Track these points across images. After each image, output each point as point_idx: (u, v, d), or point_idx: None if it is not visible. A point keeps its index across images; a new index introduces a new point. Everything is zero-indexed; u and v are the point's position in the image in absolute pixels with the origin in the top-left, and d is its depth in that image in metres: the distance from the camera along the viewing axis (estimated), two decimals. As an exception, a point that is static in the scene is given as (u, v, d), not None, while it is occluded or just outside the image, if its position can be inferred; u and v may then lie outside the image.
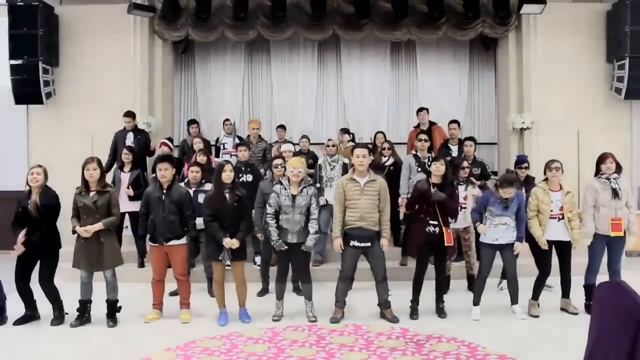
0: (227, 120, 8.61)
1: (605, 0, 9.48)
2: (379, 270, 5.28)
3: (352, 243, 5.19)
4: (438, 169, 5.32)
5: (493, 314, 5.40)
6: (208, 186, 6.07)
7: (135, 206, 6.80)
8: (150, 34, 9.27)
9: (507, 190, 5.21)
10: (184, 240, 5.38)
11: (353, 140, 8.49)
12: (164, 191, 5.27)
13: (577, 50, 9.36)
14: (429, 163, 6.05)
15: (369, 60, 10.21)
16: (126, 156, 7.13)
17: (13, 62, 8.73)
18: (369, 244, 5.18)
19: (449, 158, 7.20)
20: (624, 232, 5.39)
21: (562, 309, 5.51)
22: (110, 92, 9.03)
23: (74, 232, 5.09)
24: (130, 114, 8.08)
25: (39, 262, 5.24)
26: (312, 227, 5.26)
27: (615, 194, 5.30)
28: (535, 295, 5.46)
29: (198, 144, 7.65)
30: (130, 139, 7.91)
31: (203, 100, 10.33)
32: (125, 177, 6.99)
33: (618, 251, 5.45)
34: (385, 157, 7.05)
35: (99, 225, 5.04)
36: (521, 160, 6.48)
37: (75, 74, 9.21)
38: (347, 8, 9.06)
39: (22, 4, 8.67)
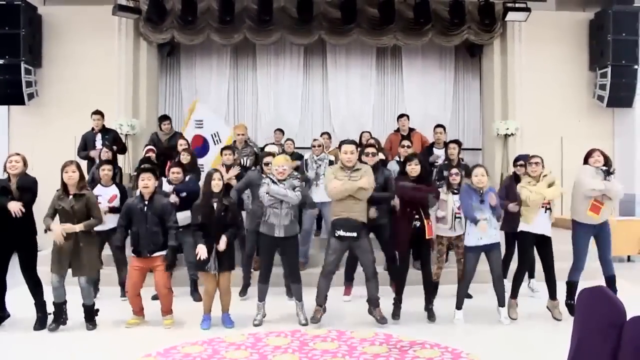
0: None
1: (588, 9, 9.62)
2: (368, 265, 5.18)
3: (337, 233, 5.08)
4: (413, 169, 5.31)
5: (478, 320, 5.38)
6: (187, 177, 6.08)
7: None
8: (135, 35, 9.23)
9: (478, 172, 5.26)
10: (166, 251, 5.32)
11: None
12: (146, 202, 5.19)
13: (561, 57, 9.50)
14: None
15: (355, 65, 10.26)
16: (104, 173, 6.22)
17: (-6, 62, 8.63)
18: (354, 234, 5.06)
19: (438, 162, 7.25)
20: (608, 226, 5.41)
21: (548, 308, 5.49)
22: (94, 94, 8.95)
23: (46, 230, 4.98)
24: (99, 112, 7.74)
25: (17, 253, 5.12)
26: (289, 192, 5.16)
27: (607, 173, 5.32)
28: (514, 294, 5.42)
29: (182, 145, 7.58)
30: (99, 141, 7.58)
31: (188, 103, 10.26)
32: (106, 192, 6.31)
33: (605, 239, 5.43)
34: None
35: (79, 227, 4.95)
36: (519, 158, 6.47)
37: (59, 75, 9.12)
38: (334, 13, 9.09)
39: (4, 3, 8.57)
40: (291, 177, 5.30)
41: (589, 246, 5.55)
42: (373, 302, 5.27)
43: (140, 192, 5.23)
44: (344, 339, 4.84)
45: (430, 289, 5.49)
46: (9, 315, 5.29)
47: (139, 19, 9.02)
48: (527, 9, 8.71)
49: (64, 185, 5.02)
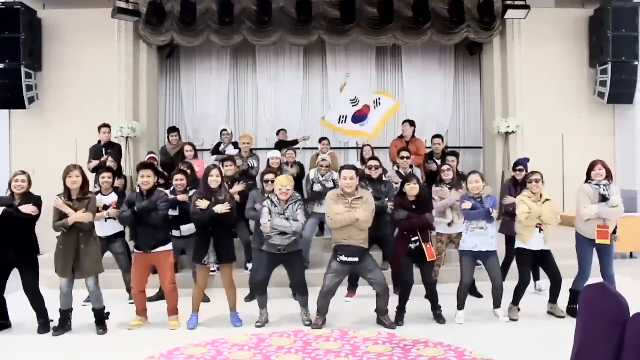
0: (225, 130, 8.43)
1: (587, 6, 9.61)
2: (378, 282, 5.13)
3: (339, 258, 5.06)
4: (412, 189, 5.29)
5: (481, 318, 5.39)
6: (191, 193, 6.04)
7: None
8: (135, 38, 9.24)
9: (472, 179, 5.27)
10: (169, 247, 5.33)
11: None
12: (144, 198, 5.20)
13: (561, 55, 9.49)
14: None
15: (355, 65, 10.24)
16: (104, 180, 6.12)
17: (-5, 66, 8.63)
18: (357, 259, 5.05)
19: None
20: (611, 240, 5.35)
21: (549, 313, 5.51)
22: (94, 97, 8.98)
23: (64, 227, 4.94)
24: (108, 125, 7.76)
25: (19, 271, 5.11)
26: (293, 223, 5.12)
27: (603, 200, 5.28)
28: (516, 301, 5.42)
29: (189, 152, 7.60)
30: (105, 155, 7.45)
31: (188, 105, 10.29)
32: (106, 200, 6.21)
33: (607, 255, 5.38)
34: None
35: (85, 217, 4.90)
36: (518, 163, 6.45)
37: (59, 78, 9.13)
38: (333, 13, 9.09)
39: (3, 7, 8.58)
40: (292, 199, 5.25)
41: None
42: (381, 312, 5.28)
43: (140, 187, 5.24)
44: (347, 338, 4.84)
45: (436, 302, 5.42)
46: (10, 325, 5.29)
47: (139, 22, 9.02)
48: (527, 7, 8.69)
49: (67, 190, 5.01)
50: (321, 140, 8.06)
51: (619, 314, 2.42)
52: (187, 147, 7.71)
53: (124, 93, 9.13)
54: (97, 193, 5.94)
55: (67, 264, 4.98)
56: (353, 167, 5.30)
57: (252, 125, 10.23)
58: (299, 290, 5.38)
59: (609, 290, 2.58)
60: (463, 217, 5.49)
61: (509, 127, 9.17)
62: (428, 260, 5.24)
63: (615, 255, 5.55)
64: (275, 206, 5.19)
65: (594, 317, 2.57)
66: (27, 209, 4.96)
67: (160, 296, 6.02)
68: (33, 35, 8.90)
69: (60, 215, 4.96)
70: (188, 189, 6.08)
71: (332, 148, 8.14)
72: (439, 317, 5.35)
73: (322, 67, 10.34)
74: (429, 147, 8.01)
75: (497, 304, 5.38)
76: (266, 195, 5.46)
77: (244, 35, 9.14)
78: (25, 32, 8.62)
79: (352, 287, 6.24)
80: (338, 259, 5.08)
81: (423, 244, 5.23)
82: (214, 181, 5.20)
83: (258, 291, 5.37)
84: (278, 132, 9.06)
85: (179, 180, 6.03)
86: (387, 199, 5.99)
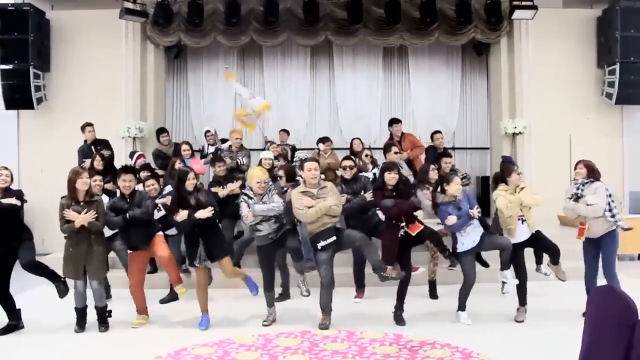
0: (209, 131, 8.52)
1: (595, 6, 9.56)
2: (359, 238, 5.14)
3: (319, 245, 5.10)
4: (392, 178, 5.33)
5: (487, 320, 5.37)
6: (168, 189, 6.10)
7: None
8: (142, 39, 9.28)
9: (457, 181, 5.19)
10: (160, 232, 5.48)
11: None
12: (128, 200, 5.28)
13: (569, 55, 9.45)
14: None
15: (362, 65, 10.25)
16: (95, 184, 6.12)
17: (3, 67, 8.73)
18: (334, 237, 5.09)
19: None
20: (610, 240, 5.32)
21: (548, 265, 5.50)
22: (102, 97, 9.02)
23: (67, 230, 5.00)
24: (91, 124, 7.72)
25: (16, 259, 5.17)
26: (273, 204, 5.20)
27: (576, 198, 5.28)
28: (522, 301, 5.39)
29: (186, 152, 7.63)
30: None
31: (195, 106, 10.32)
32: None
33: (606, 254, 5.33)
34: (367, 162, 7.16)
35: (88, 217, 4.95)
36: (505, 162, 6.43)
37: (67, 79, 9.19)
38: (340, 13, 9.10)
39: (12, 8, 8.65)
40: (268, 190, 5.30)
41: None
42: (379, 268, 5.15)
43: (121, 191, 5.33)
44: (354, 339, 4.84)
45: (444, 246, 5.48)
46: (22, 327, 5.29)
47: (146, 23, 9.07)
48: (534, 7, 8.67)
49: (74, 193, 5.03)
50: (325, 140, 7.94)
51: (628, 316, 2.41)
52: (184, 147, 7.73)
53: (131, 93, 9.18)
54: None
55: (79, 267, 5.05)
56: (313, 159, 5.48)
57: (259, 126, 10.23)
58: (294, 256, 5.49)
59: (618, 292, 2.57)
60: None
61: (516, 127, 9.15)
62: (414, 234, 5.25)
63: (622, 257, 5.53)
64: (251, 198, 5.24)
65: (602, 318, 2.56)
66: (10, 201, 5.03)
67: (171, 297, 6.06)
68: (41, 36, 8.96)
69: (64, 222, 5.02)
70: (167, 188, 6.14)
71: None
72: (449, 257, 5.47)
73: (329, 67, 10.34)
74: (431, 144, 7.96)
75: (505, 265, 5.25)
76: (241, 191, 5.55)
77: (251, 36, 9.17)
78: (33, 33, 8.69)
79: (360, 288, 6.23)
80: (319, 247, 5.12)
81: (406, 228, 5.27)
82: (190, 184, 5.20)
83: (266, 289, 5.38)
84: (280, 132, 9.06)
85: (150, 186, 6.08)
86: (362, 192, 5.94)
